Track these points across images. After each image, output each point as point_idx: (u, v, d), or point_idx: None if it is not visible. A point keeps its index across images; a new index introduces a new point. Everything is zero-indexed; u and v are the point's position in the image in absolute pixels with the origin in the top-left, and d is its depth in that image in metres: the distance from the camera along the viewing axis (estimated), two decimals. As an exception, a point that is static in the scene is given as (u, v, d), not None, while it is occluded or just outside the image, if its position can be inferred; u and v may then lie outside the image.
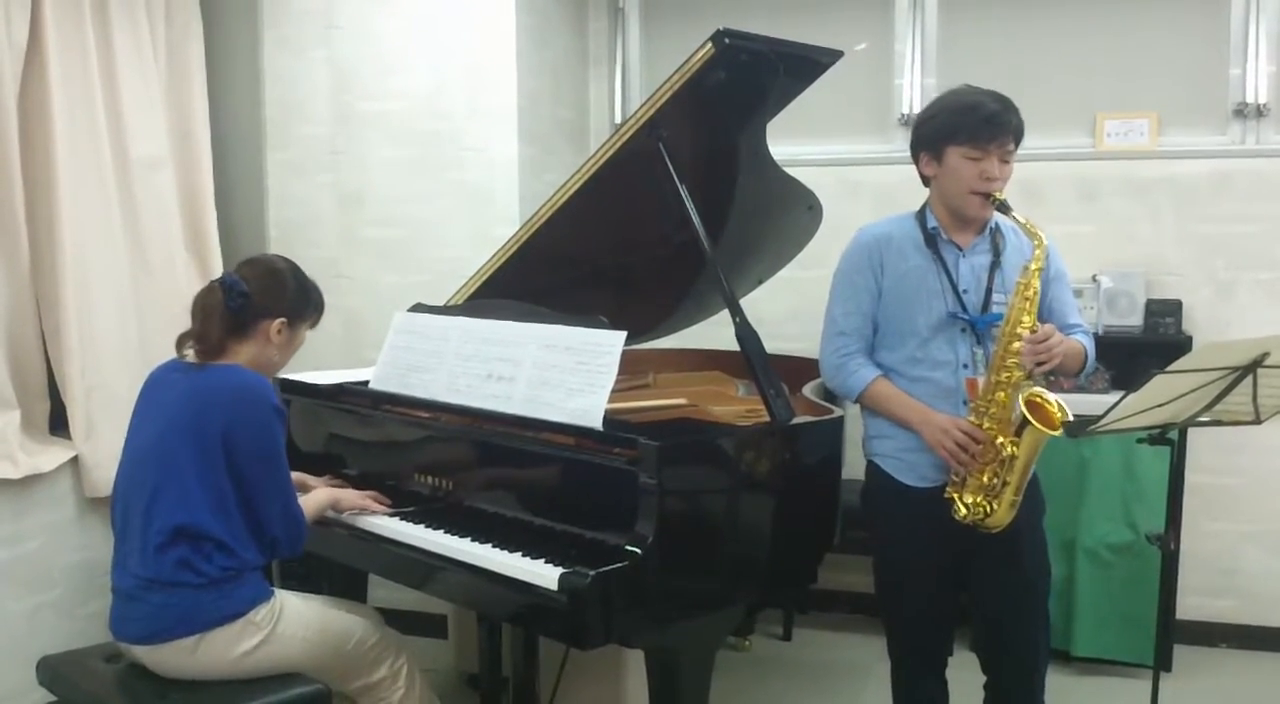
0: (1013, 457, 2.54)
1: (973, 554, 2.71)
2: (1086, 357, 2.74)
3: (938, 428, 2.62)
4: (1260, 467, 4.14)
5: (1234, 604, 4.21)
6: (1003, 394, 2.55)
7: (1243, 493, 4.18)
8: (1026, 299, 2.55)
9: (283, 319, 2.64)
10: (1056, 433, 2.50)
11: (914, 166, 4.44)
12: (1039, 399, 2.51)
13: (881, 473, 2.78)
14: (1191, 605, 4.14)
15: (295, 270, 2.73)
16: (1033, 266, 2.55)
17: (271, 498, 2.53)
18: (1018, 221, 2.59)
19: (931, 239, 2.70)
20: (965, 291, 2.68)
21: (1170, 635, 3.81)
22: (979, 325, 2.66)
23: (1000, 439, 2.55)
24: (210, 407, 2.49)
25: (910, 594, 2.79)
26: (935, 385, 2.68)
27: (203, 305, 2.60)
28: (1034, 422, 2.47)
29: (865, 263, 2.73)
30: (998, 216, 2.69)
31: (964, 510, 2.59)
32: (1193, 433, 3.69)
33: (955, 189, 2.65)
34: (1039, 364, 2.51)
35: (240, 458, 2.48)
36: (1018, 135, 2.64)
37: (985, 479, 2.58)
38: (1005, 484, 2.56)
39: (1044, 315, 2.68)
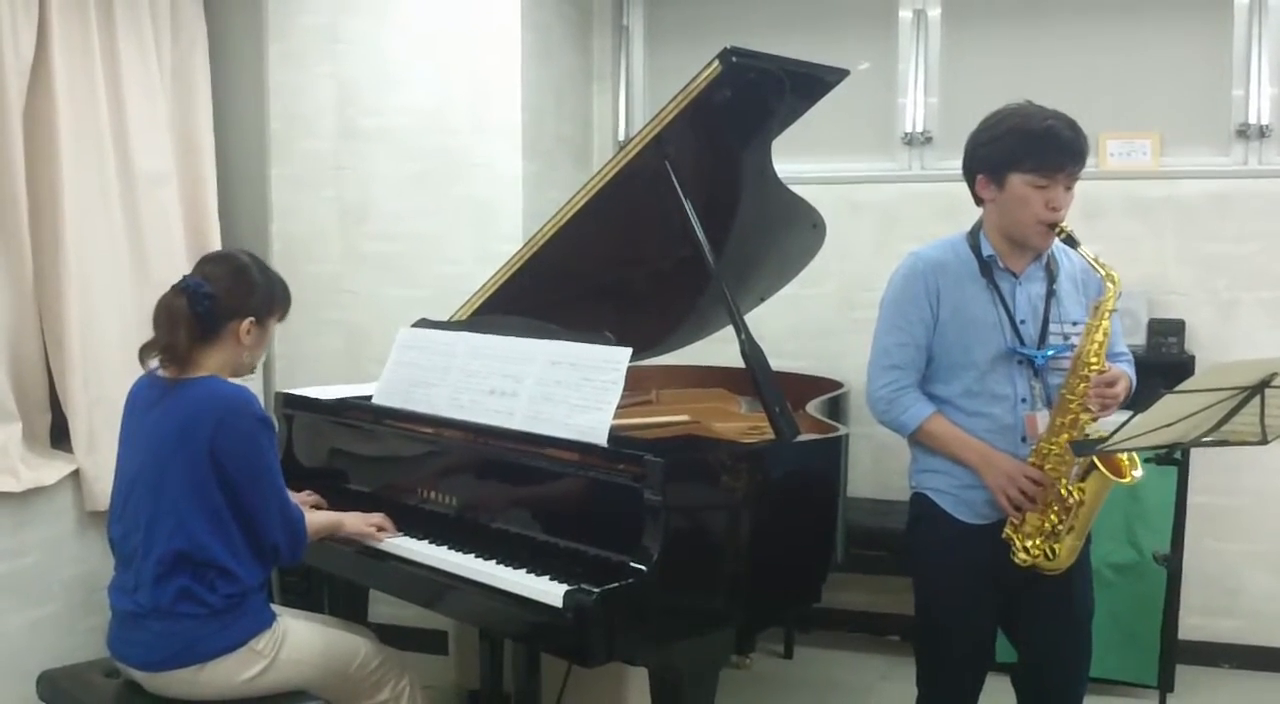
0: (1080, 503, 2.47)
1: (1022, 592, 2.63)
2: (1132, 387, 2.65)
3: (1002, 473, 2.53)
4: (1263, 486, 4.14)
5: (1237, 624, 4.21)
6: (1067, 436, 2.47)
7: (1245, 513, 4.17)
8: (1096, 342, 2.46)
9: (251, 318, 2.52)
10: (1125, 481, 2.44)
11: (916, 185, 4.50)
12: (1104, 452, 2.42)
13: (934, 507, 2.67)
14: (1194, 625, 4.13)
15: (258, 264, 2.61)
16: (1106, 308, 2.47)
17: (268, 507, 2.47)
18: (1087, 258, 2.51)
19: (987, 267, 2.59)
20: (1023, 322, 2.59)
21: (1173, 656, 3.80)
22: (1038, 361, 2.57)
23: (1064, 482, 2.48)
24: (194, 423, 2.41)
25: (958, 635, 2.68)
26: (993, 421, 2.59)
27: (168, 313, 2.46)
28: (1103, 469, 2.42)
29: (920, 291, 2.61)
30: None
31: (1024, 555, 2.52)
32: (1195, 453, 3.72)
33: (1019, 217, 2.53)
34: (1103, 407, 2.46)
35: (230, 471, 2.41)
36: (1084, 161, 2.53)
37: (1047, 525, 2.50)
38: (1070, 530, 2.48)
39: None
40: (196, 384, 2.47)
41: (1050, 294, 2.61)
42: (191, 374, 2.48)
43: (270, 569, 2.57)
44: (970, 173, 2.62)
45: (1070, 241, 2.51)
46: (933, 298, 2.60)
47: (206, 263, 2.59)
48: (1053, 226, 2.51)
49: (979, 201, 2.64)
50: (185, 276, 2.52)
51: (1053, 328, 2.59)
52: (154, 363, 2.53)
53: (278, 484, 2.51)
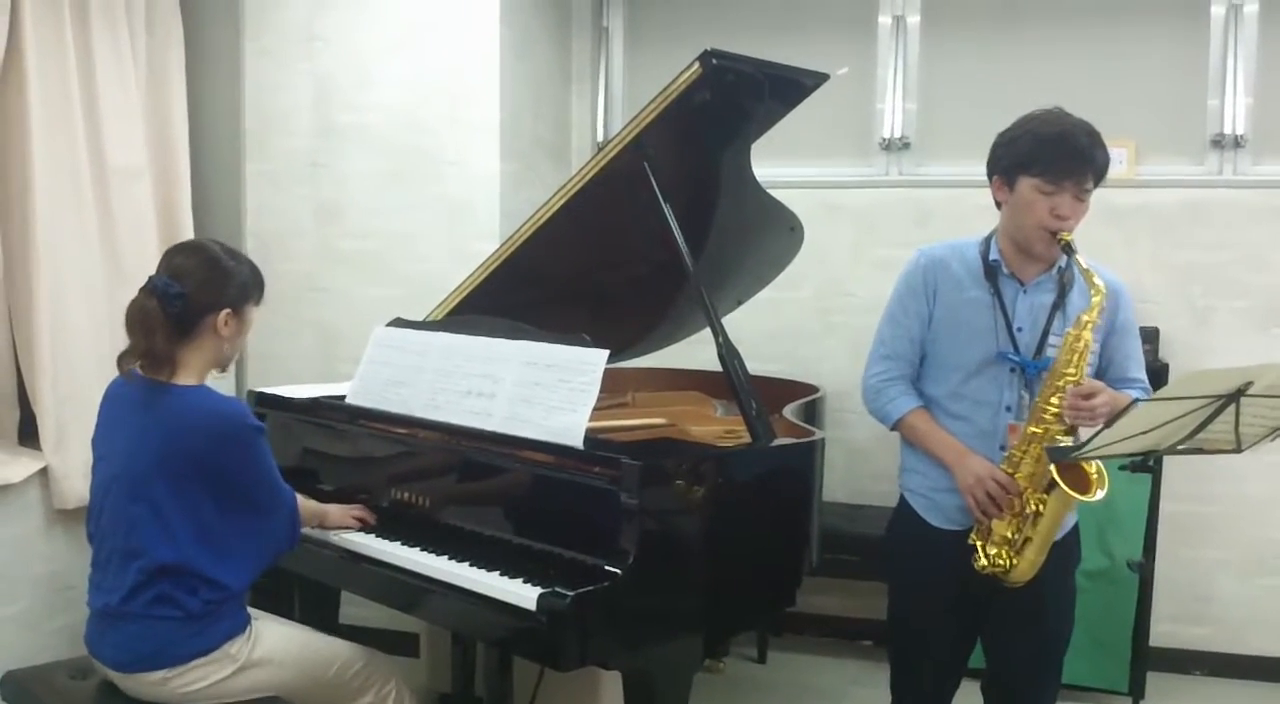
0: (1038, 514, 2.44)
1: (992, 604, 2.60)
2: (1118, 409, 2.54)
3: (972, 474, 2.51)
4: (1234, 494, 4.16)
5: (1207, 631, 4.23)
6: (1038, 447, 2.44)
7: (1217, 520, 4.19)
8: (1075, 351, 2.42)
9: (228, 309, 2.46)
10: (1088, 498, 2.40)
11: (893, 190, 4.51)
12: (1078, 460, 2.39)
13: (909, 509, 2.68)
14: (1165, 632, 4.14)
15: (227, 251, 2.52)
16: (1085, 318, 2.43)
17: (277, 510, 2.49)
18: (1080, 267, 2.46)
19: (991, 272, 2.57)
20: (1020, 330, 2.55)
21: (1144, 662, 3.82)
22: (1030, 369, 2.53)
23: (1028, 492, 2.46)
24: (185, 439, 2.35)
25: (927, 640, 2.67)
26: (974, 425, 2.57)
27: (140, 319, 2.38)
28: (1062, 484, 2.38)
29: (920, 287, 2.62)
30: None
31: (984, 561, 2.49)
32: (1167, 461, 3.74)
33: (1022, 222, 2.50)
34: (1077, 420, 2.41)
35: (235, 487, 2.39)
36: (1100, 173, 2.49)
37: (1009, 533, 2.48)
38: (1028, 541, 2.46)
39: (1103, 366, 2.59)
40: (185, 395, 2.40)
41: (1056, 306, 2.57)
42: (177, 377, 2.42)
43: (263, 568, 2.52)
44: (989, 172, 2.59)
45: (1067, 249, 2.46)
46: (930, 294, 2.61)
47: (174, 254, 2.50)
48: (1055, 235, 2.46)
49: (998, 204, 2.61)
50: (152, 277, 2.43)
51: (1052, 340, 2.54)
52: (135, 369, 2.45)
53: (279, 482, 2.51)
